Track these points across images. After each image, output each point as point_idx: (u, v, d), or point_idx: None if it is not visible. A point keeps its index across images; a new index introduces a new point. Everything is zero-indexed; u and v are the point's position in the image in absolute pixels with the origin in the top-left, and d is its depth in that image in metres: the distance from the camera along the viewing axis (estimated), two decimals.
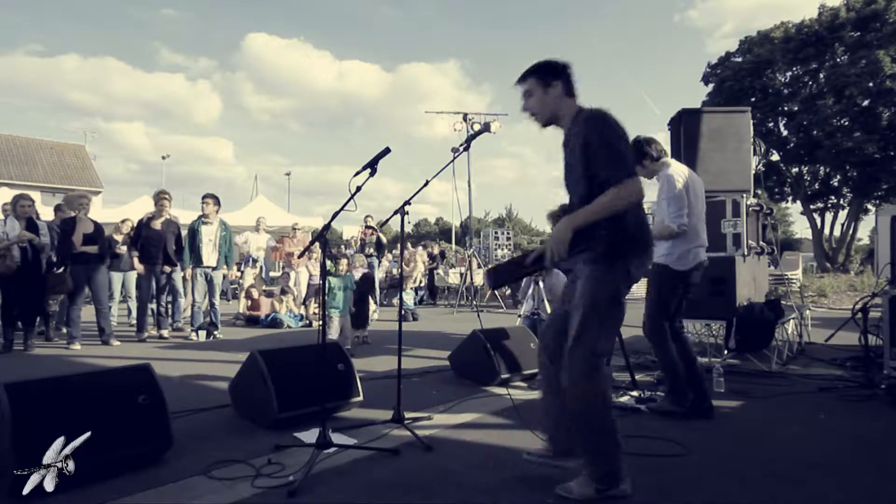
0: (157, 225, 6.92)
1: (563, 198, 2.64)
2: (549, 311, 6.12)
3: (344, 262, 6.74)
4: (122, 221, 7.86)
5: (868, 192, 24.50)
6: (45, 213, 8.04)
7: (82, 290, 6.42)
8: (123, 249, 7.35)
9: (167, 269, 7.00)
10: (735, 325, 4.83)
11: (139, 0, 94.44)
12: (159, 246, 6.89)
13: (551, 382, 2.50)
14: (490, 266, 2.23)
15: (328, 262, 4.86)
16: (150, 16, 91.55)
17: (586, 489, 2.28)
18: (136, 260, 6.86)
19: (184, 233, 7.60)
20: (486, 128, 4.65)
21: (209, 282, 7.10)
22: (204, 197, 7.22)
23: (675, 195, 3.58)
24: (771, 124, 26.29)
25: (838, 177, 25.42)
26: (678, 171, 3.67)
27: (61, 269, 6.25)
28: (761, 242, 5.67)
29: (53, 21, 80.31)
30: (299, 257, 9.75)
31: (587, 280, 2.32)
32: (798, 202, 28.09)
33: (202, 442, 2.99)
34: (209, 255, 7.05)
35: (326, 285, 3.39)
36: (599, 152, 2.24)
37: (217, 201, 7.27)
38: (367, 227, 11.60)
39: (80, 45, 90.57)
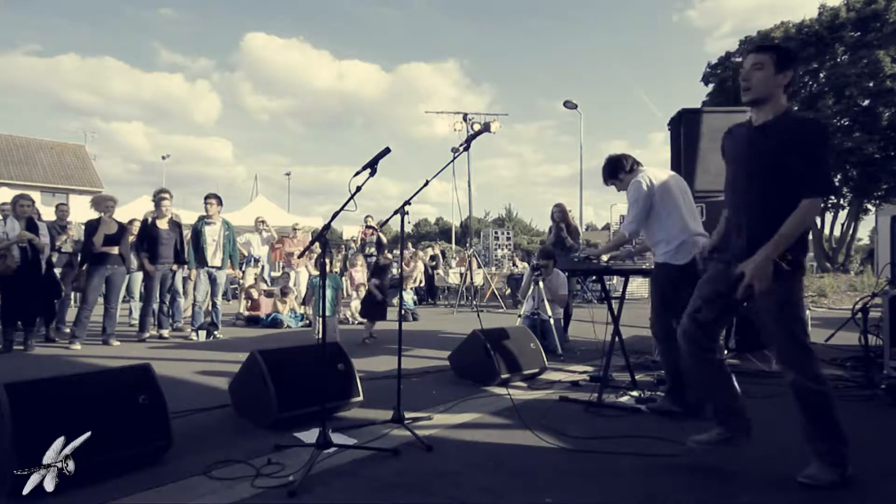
0: (163, 224, 6.92)
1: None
2: (549, 311, 6.12)
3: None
4: (130, 222, 7.83)
5: (868, 192, 24.48)
6: (46, 213, 8.04)
7: (97, 290, 6.44)
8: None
9: (175, 267, 7.02)
10: (735, 325, 4.83)
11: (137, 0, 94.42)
12: (169, 245, 6.91)
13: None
14: None
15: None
16: (149, 15, 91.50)
17: (829, 475, 2.39)
18: (146, 261, 6.84)
19: (185, 232, 7.59)
20: (486, 128, 4.67)
21: (213, 282, 7.11)
22: (207, 197, 7.21)
23: (633, 201, 3.68)
24: None
25: (838, 177, 25.36)
26: (645, 176, 3.70)
27: (83, 268, 6.35)
28: None
29: (52, 21, 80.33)
30: (299, 257, 9.76)
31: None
32: None
33: (202, 442, 2.99)
34: (213, 255, 7.06)
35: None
36: (809, 162, 2.31)
37: (220, 201, 7.29)
38: (368, 226, 11.62)
39: (78, 44, 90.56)
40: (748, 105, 2.52)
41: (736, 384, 2.72)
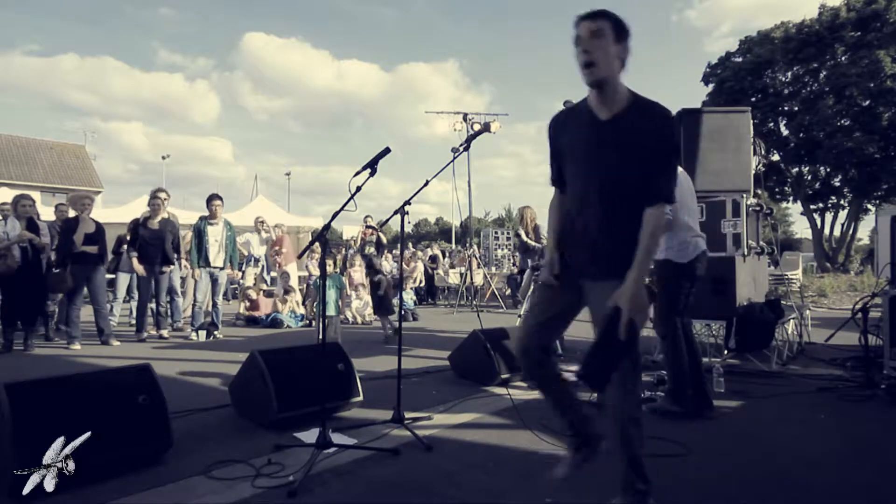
0: (154, 224, 6.88)
1: None
2: None
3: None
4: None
5: (868, 192, 24.49)
6: (46, 213, 8.03)
7: (81, 289, 6.41)
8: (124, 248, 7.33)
9: (165, 269, 6.97)
10: (735, 325, 4.83)
11: None
12: (157, 245, 6.85)
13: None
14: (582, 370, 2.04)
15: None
16: (148, 15, 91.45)
17: None
18: (134, 261, 6.81)
19: (184, 232, 7.56)
20: (486, 128, 4.68)
21: (214, 282, 7.10)
22: (213, 198, 7.19)
23: None
24: (771, 124, 26.27)
25: (839, 177, 25.41)
26: None
27: (61, 269, 6.25)
28: (761, 242, 5.67)
29: (51, 21, 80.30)
30: (299, 257, 9.74)
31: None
32: (798, 202, 28.11)
33: (202, 442, 2.99)
34: (216, 256, 7.06)
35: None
36: (663, 162, 2.01)
37: (223, 201, 7.30)
38: (368, 226, 11.61)
39: (77, 44, 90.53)
40: (592, 86, 2.01)
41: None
